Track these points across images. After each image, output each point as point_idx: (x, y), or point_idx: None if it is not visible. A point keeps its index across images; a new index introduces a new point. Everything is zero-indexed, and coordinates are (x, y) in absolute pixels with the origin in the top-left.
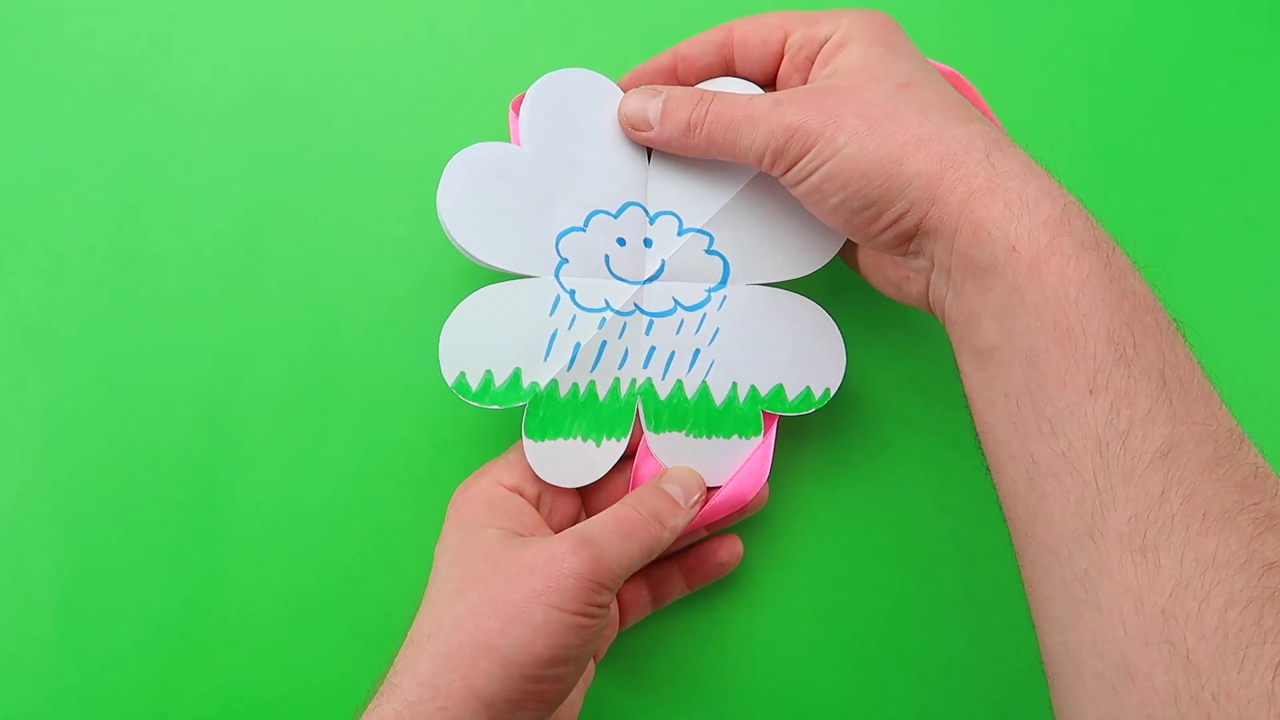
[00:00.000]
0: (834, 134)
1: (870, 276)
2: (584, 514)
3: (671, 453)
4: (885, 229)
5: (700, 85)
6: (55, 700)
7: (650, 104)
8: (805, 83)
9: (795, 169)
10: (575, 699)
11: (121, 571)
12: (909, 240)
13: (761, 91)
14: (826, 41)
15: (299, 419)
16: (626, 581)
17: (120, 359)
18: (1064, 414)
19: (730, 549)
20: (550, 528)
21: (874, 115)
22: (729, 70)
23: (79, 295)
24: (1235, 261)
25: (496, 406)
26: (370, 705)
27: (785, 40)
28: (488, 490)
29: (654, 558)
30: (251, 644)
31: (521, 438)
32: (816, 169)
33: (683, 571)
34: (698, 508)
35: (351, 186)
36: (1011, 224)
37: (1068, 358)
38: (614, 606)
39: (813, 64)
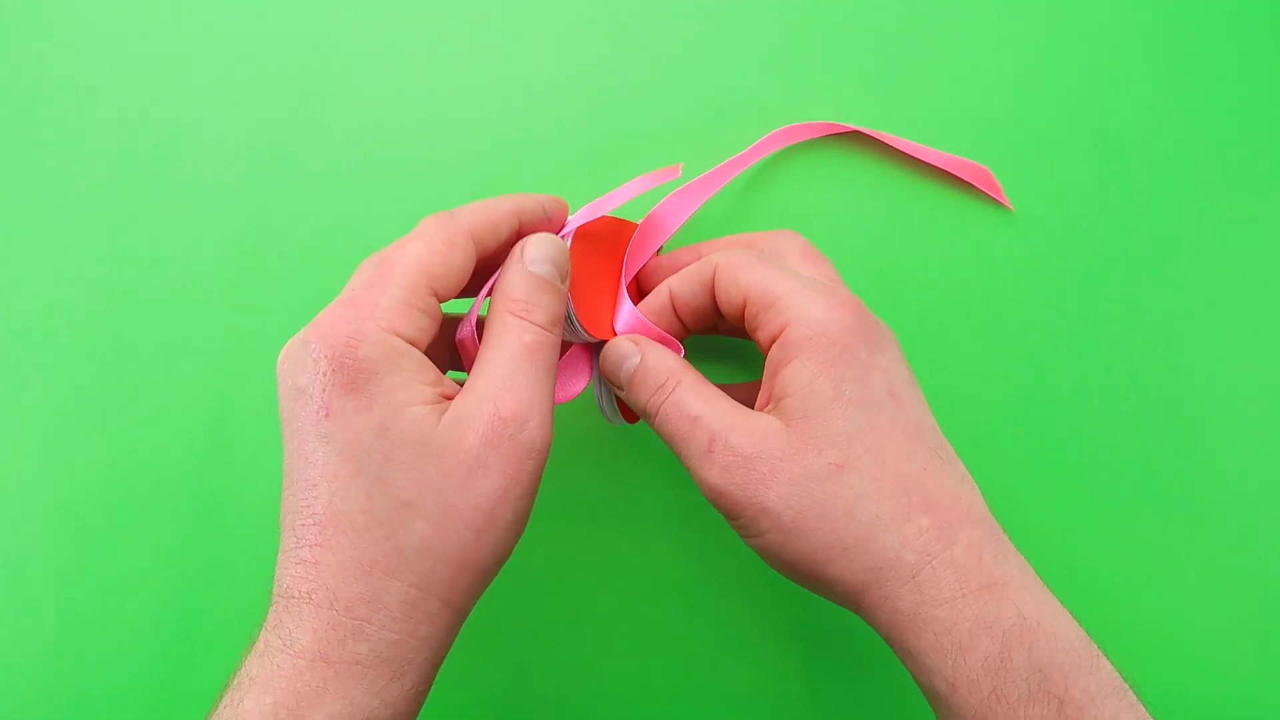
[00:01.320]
0: (756, 517)
1: None
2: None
3: None
4: (827, 594)
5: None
6: (55, 700)
7: (624, 364)
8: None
9: (731, 523)
10: None
11: (121, 571)
12: (854, 608)
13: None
14: (780, 334)
15: None
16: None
17: (120, 359)
18: None
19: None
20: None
21: (799, 506)
22: (712, 303)
23: (79, 295)
24: (1235, 261)
25: None
26: (338, 643)
27: (744, 307)
28: (384, 345)
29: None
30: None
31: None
32: (746, 537)
33: None
34: (569, 282)
35: (351, 186)
36: (945, 661)
37: None
38: None
39: (765, 350)
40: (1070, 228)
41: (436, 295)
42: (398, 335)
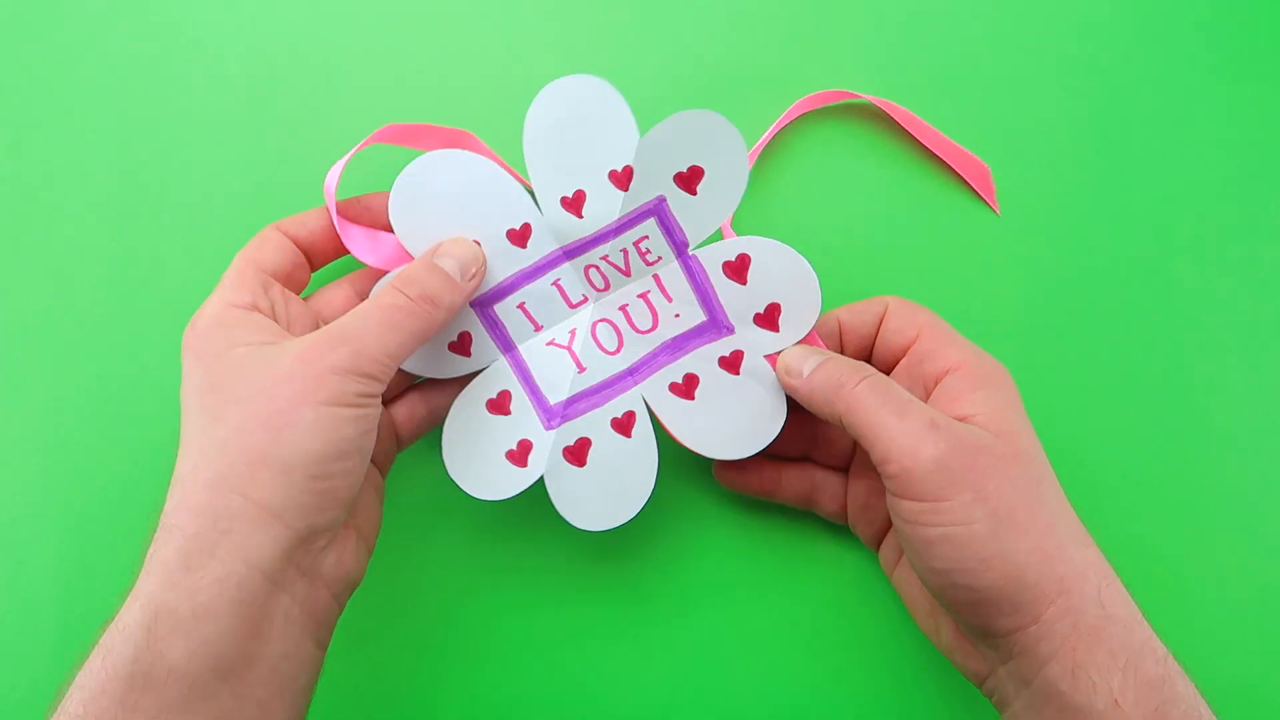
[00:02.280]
0: (971, 503)
1: (915, 612)
2: (323, 322)
3: None
4: (978, 618)
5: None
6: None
7: (810, 358)
8: (913, 391)
9: (917, 506)
10: (373, 508)
11: (121, 572)
12: (992, 636)
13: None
14: (950, 372)
15: None
16: (401, 402)
17: (120, 359)
18: None
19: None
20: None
21: (1013, 504)
22: (874, 337)
23: (79, 295)
24: (1235, 261)
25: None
26: (148, 554)
27: (915, 340)
28: (220, 315)
29: (430, 338)
30: None
31: None
32: (939, 525)
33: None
34: (476, 280)
35: (352, 186)
36: (1115, 676)
37: None
38: (392, 414)
39: (927, 380)
40: (1070, 228)
41: (264, 271)
42: (233, 305)
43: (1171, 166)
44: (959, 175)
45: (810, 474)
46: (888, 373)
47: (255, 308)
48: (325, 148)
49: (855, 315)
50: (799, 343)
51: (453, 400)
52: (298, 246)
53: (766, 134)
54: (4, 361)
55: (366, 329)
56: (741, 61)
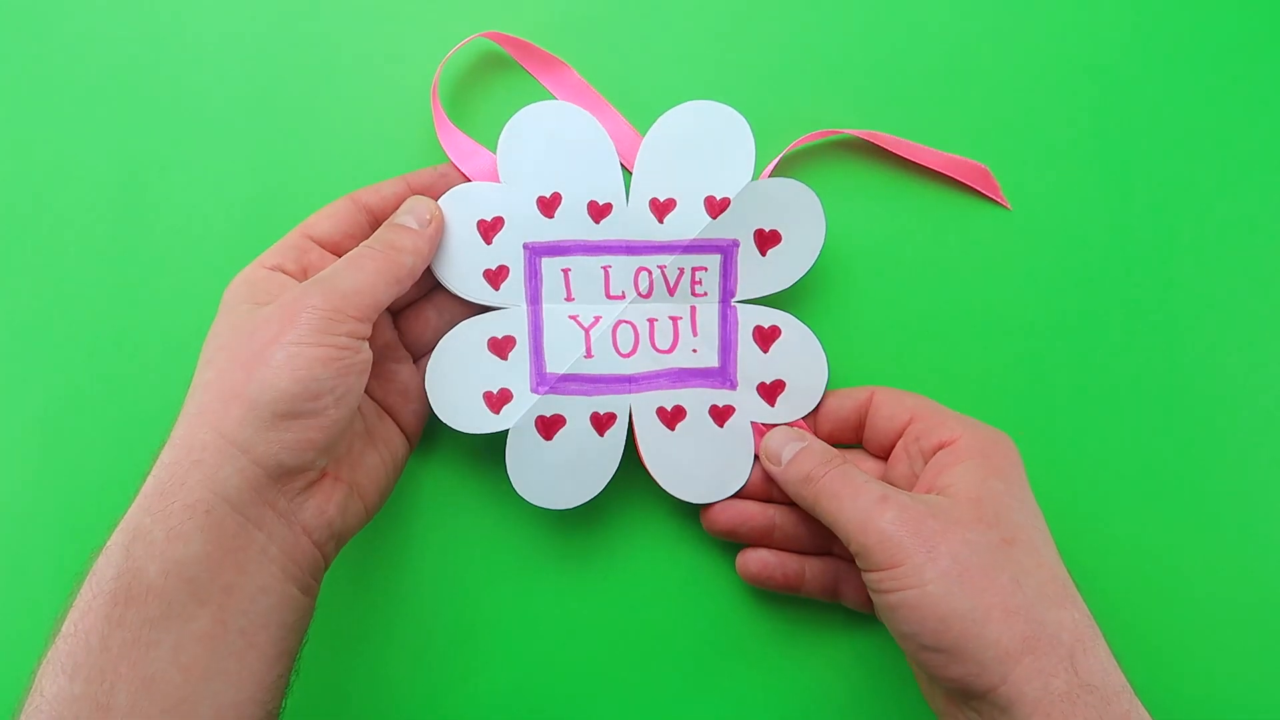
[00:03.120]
0: (923, 564)
1: (918, 679)
2: None
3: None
4: (950, 678)
5: None
6: None
7: (788, 446)
8: (912, 472)
9: (877, 575)
10: (375, 466)
11: None
12: (971, 698)
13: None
14: (944, 446)
15: None
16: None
17: (120, 359)
18: None
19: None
20: None
21: (968, 563)
22: (861, 424)
23: (79, 295)
24: (1235, 261)
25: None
26: (146, 482)
27: (909, 423)
28: (249, 275)
29: (403, 285)
30: None
31: None
32: (897, 590)
33: None
34: (433, 226)
35: (352, 185)
36: None
37: None
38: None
39: (925, 457)
40: (1070, 228)
41: (310, 237)
42: (263, 267)
43: (1171, 166)
44: (961, 183)
45: (834, 566)
46: (885, 456)
47: (281, 269)
48: (325, 147)
49: (840, 399)
50: (789, 424)
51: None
52: (370, 213)
53: (762, 175)
54: (4, 361)
55: (335, 273)
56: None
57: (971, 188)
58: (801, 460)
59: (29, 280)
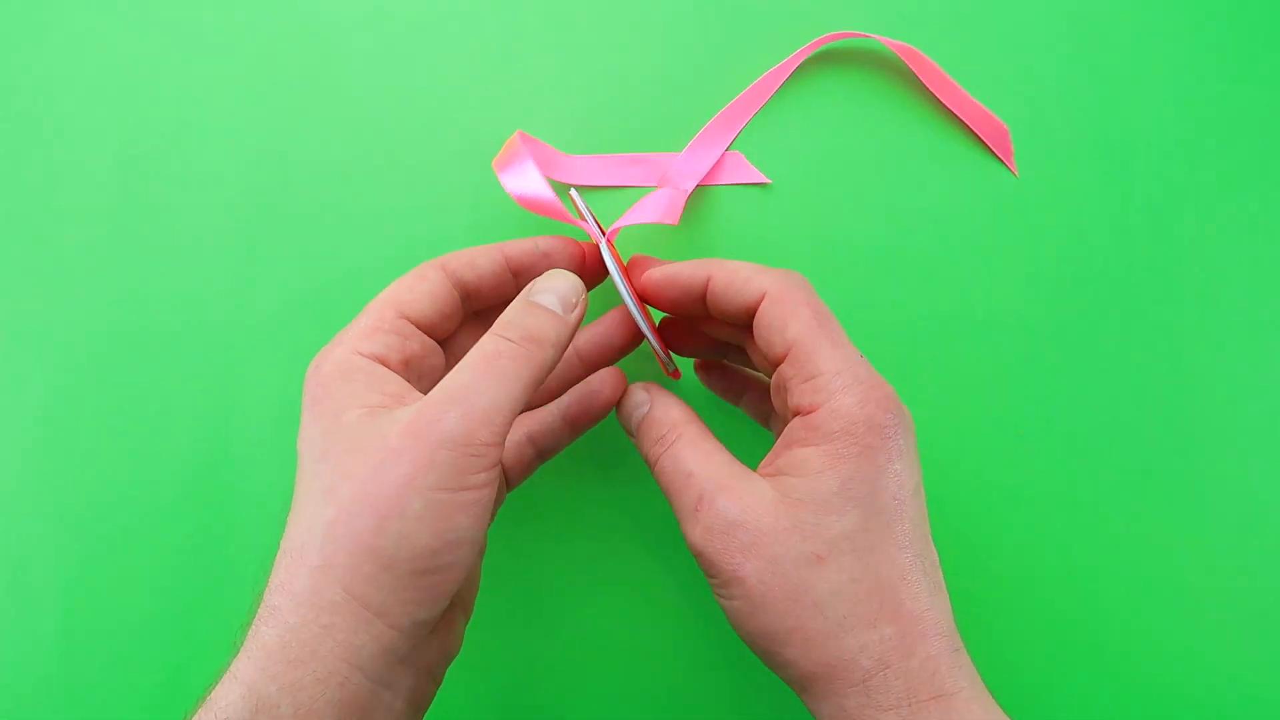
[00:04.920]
0: (727, 582)
1: None
2: None
3: None
4: (778, 673)
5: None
6: (55, 700)
7: (636, 411)
8: (784, 409)
9: (708, 580)
10: (475, 571)
11: (121, 571)
12: (800, 693)
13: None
14: (801, 414)
15: (298, 418)
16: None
17: (120, 358)
18: None
19: (614, 383)
20: (421, 394)
21: (770, 583)
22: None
23: (79, 295)
24: (1235, 261)
25: None
26: (250, 631)
27: (784, 355)
28: (344, 363)
29: (542, 385)
30: None
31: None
32: (718, 596)
33: (563, 416)
34: (579, 310)
35: (351, 185)
36: None
37: None
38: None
39: (787, 414)
40: (1070, 228)
41: (408, 318)
42: (360, 354)
43: (1171, 166)
44: (975, 133)
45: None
46: (773, 370)
47: (384, 360)
48: (325, 147)
49: (729, 285)
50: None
51: (559, 442)
52: (460, 288)
53: (780, 67)
54: (4, 361)
55: (472, 385)
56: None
57: (984, 144)
58: (641, 436)
59: (29, 280)
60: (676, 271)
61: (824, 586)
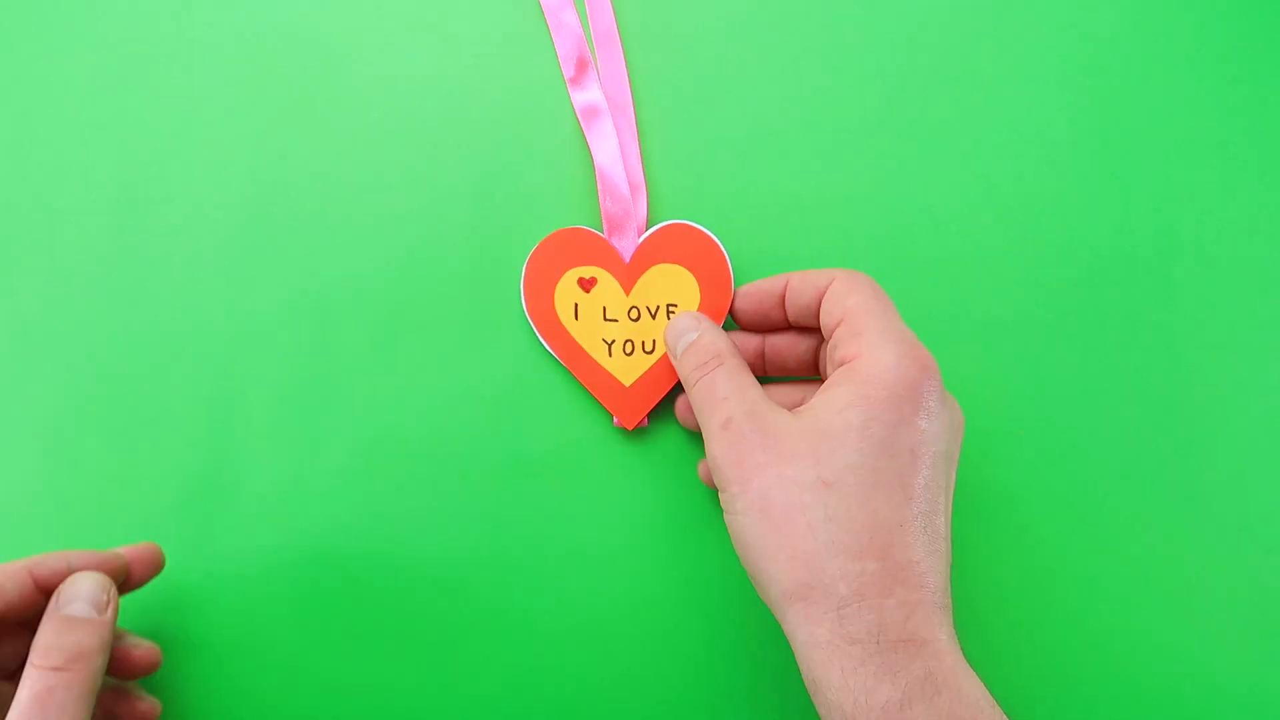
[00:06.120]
0: (737, 495)
1: None
2: None
3: None
4: (763, 594)
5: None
6: None
7: (683, 338)
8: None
9: (719, 493)
10: None
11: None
12: (779, 618)
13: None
14: (850, 360)
15: (299, 418)
16: None
17: (121, 357)
18: None
19: (151, 709)
20: None
21: (772, 500)
22: (780, 304)
23: (79, 295)
24: (1235, 261)
25: None
26: None
27: (839, 323)
28: None
29: (99, 685)
30: (253, 642)
31: None
32: (726, 510)
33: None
34: (113, 606)
35: (351, 186)
36: (848, 698)
37: None
38: None
39: (833, 364)
40: (1070, 228)
41: None
42: None
43: (1171, 166)
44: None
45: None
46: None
47: None
48: (325, 146)
49: (802, 282)
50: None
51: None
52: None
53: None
54: (4, 361)
55: None
56: None
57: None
58: (686, 357)
59: (29, 280)
60: (758, 283)
61: (821, 511)
